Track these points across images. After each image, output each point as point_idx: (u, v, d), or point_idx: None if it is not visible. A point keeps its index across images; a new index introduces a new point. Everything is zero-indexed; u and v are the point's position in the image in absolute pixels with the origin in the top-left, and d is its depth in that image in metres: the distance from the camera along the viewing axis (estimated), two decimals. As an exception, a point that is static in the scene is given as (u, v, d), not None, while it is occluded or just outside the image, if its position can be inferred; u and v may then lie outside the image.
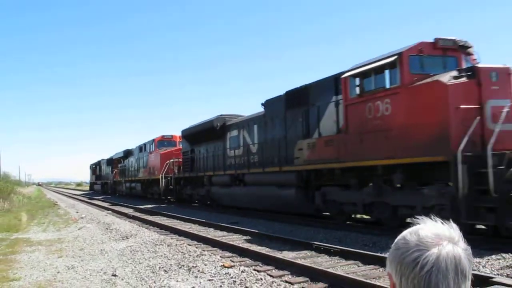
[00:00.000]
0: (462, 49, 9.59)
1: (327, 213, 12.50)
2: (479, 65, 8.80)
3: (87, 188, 70.02)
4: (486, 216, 7.71)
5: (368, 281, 5.69)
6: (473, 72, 8.48)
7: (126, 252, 8.99)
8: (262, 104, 15.48)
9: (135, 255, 8.56)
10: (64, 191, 67.73)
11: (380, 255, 7.22)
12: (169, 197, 25.70)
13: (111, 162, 42.68)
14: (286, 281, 6.18)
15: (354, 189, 10.82)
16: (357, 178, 10.76)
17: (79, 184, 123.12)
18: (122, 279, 6.63)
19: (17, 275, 7.14)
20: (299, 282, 6.10)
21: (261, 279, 6.27)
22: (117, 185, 39.36)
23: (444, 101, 8.36)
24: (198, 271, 6.92)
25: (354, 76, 10.57)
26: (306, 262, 7.19)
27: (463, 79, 8.44)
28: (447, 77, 8.53)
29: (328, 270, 6.43)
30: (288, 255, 7.99)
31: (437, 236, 0.91)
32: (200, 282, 6.20)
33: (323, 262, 7.46)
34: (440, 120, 8.40)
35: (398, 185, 9.65)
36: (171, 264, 7.51)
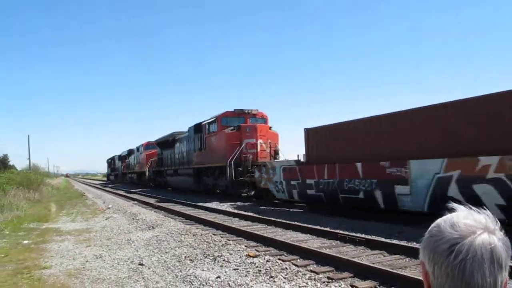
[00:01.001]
0: (247, 113, 20.98)
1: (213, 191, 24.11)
2: (242, 124, 20.16)
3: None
4: (237, 189, 19.26)
5: (394, 271, 5.65)
6: (239, 127, 19.93)
7: (152, 241, 9.07)
8: (187, 130, 27.06)
9: (161, 245, 8.62)
10: (90, 182, 72.56)
11: (406, 244, 7.20)
12: (151, 184, 37.77)
13: (121, 158, 55.24)
14: (311, 271, 6.12)
15: (211, 178, 22.41)
16: (211, 172, 22.32)
17: (105, 176, 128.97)
18: (149, 268, 6.69)
19: (48, 263, 7.25)
20: (325, 272, 6.05)
21: (286, 268, 6.21)
22: (124, 176, 51.91)
23: (225, 140, 19.90)
24: (224, 260, 6.95)
25: (207, 123, 22.17)
26: (331, 252, 7.16)
27: (234, 131, 19.94)
28: (228, 130, 20.05)
29: (353, 259, 6.40)
30: (313, 245, 7.96)
31: (472, 224, 0.87)
32: (225, 271, 6.25)
33: (348, 252, 7.40)
34: (224, 148, 19.89)
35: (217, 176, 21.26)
36: (196, 254, 7.54)
